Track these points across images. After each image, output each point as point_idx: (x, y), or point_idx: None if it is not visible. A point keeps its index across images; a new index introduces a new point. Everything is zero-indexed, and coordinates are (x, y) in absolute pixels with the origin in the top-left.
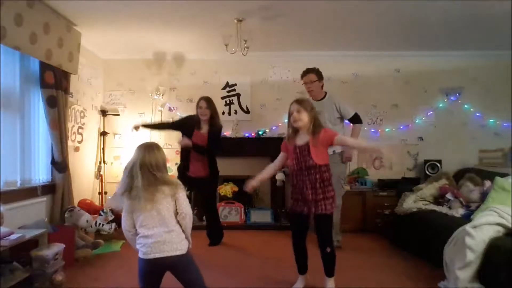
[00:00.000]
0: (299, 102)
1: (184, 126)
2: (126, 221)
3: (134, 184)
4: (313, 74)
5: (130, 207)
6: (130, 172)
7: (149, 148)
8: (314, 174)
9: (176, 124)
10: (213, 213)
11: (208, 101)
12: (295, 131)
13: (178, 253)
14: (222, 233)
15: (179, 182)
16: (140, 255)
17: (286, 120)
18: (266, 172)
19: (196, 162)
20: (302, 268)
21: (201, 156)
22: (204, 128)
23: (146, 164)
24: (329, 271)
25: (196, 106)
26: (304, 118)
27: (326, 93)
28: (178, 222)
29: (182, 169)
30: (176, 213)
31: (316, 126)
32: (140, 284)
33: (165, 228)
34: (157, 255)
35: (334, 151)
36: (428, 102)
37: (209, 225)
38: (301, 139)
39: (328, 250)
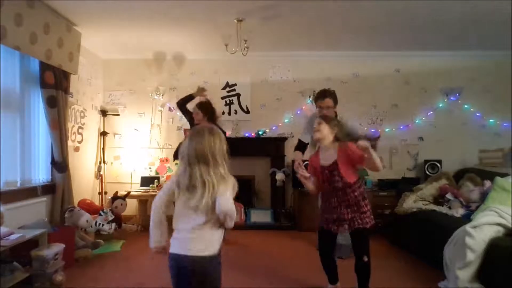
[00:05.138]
0: (322, 116)
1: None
2: (161, 198)
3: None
4: (331, 100)
5: (173, 193)
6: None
7: (198, 135)
8: (350, 193)
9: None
10: None
11: (200, 106)
12: (317, 147)
13: (207, 253)
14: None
15: (232, 178)
16: (170, 248)
17: (286, 120)
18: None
19: None
20: (333, 278)
21: None
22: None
23: (197, 154)
24: (363, 285)
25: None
26: (323, 130)
27: (336, 114)
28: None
29: None
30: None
31: (339, 140)
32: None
33: (194, 224)
34: (182, 252)
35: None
36: (428, 102)
37: None
38: (326, 158)
39: (365, 259)
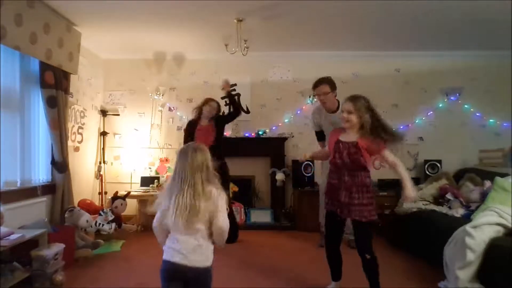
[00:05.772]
0: (352, 99)
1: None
2: (159, 219)
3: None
4: (326, 86)
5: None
6: (179, 175)
7: (191, 151)
8: (353, 176)
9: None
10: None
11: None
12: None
13: (207, 264)
14: (237, 231)
15: (221, 187)
16: (164, 256)
17: (286, 120)
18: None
19: None
20: (336, 274)
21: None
22: (204, 122)
23: (193, 167)
24: (373, 283)
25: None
26: (353, 119)
27: (339, 102)
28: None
29: None
30: (210, 223)
31: (367, 130)
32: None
33: (194, 237)
34: (183, 262)
35: None
36: (428, 102)
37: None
38: (347, 136)
39: (368, 257)
